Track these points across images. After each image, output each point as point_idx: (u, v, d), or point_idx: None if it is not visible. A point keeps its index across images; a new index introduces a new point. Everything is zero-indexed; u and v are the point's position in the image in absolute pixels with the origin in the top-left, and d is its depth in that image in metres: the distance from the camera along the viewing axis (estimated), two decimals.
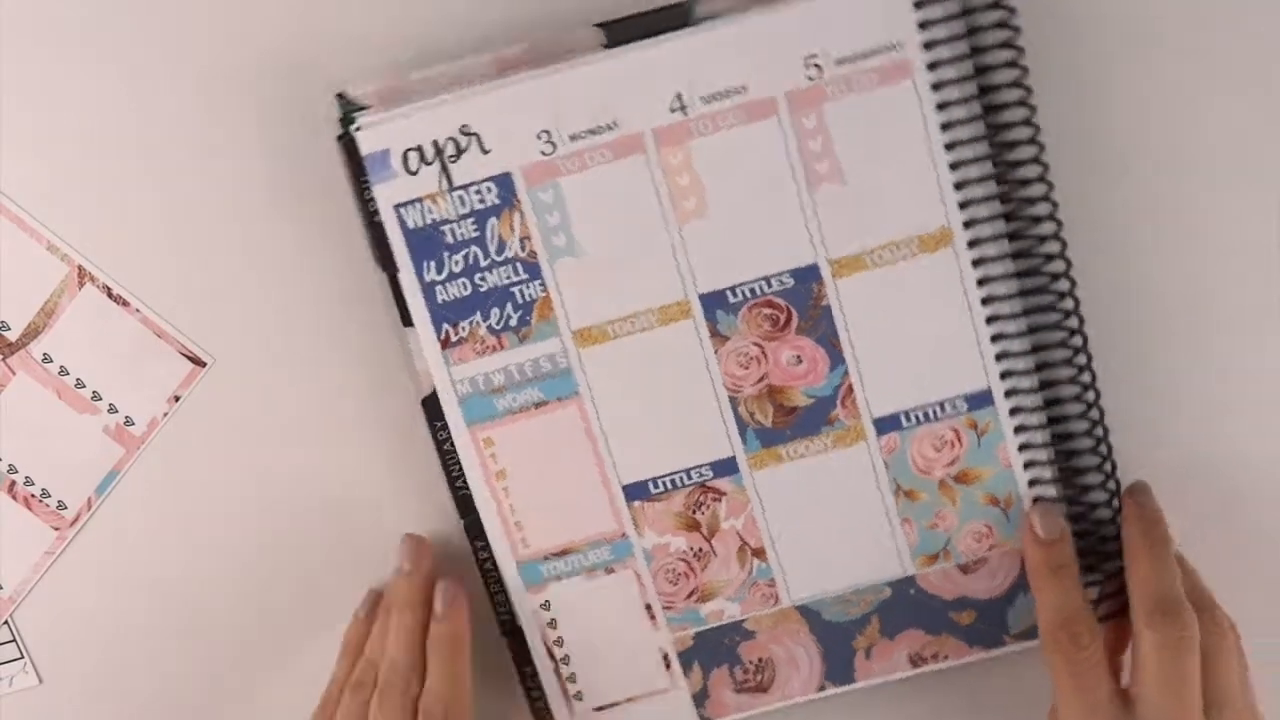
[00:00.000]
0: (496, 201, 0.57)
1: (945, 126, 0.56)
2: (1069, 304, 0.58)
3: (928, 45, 0.55)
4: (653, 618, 0.61)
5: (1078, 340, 0.58)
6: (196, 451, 0.62)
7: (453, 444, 0.59)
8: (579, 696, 0.62)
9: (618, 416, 0.59)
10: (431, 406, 0.59)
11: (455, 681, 0.58)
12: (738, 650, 0.61)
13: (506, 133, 0.56)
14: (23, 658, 0.65)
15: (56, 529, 0.63)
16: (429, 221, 0.57)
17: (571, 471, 0.59)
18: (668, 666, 0.62)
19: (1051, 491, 0.59)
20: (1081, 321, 0.58)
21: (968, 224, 0.57)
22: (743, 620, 0.61)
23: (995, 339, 0.58)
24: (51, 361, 0.61)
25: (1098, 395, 0.59)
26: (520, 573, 0.60)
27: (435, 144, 0.56)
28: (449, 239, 0.57)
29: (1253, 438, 0.62)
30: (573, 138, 0.56)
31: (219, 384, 0.62)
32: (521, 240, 0.57)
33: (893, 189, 0.56)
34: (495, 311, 0.58)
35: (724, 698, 0.62)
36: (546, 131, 0.56)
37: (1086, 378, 0.59)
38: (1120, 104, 0.59)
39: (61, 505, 0.63)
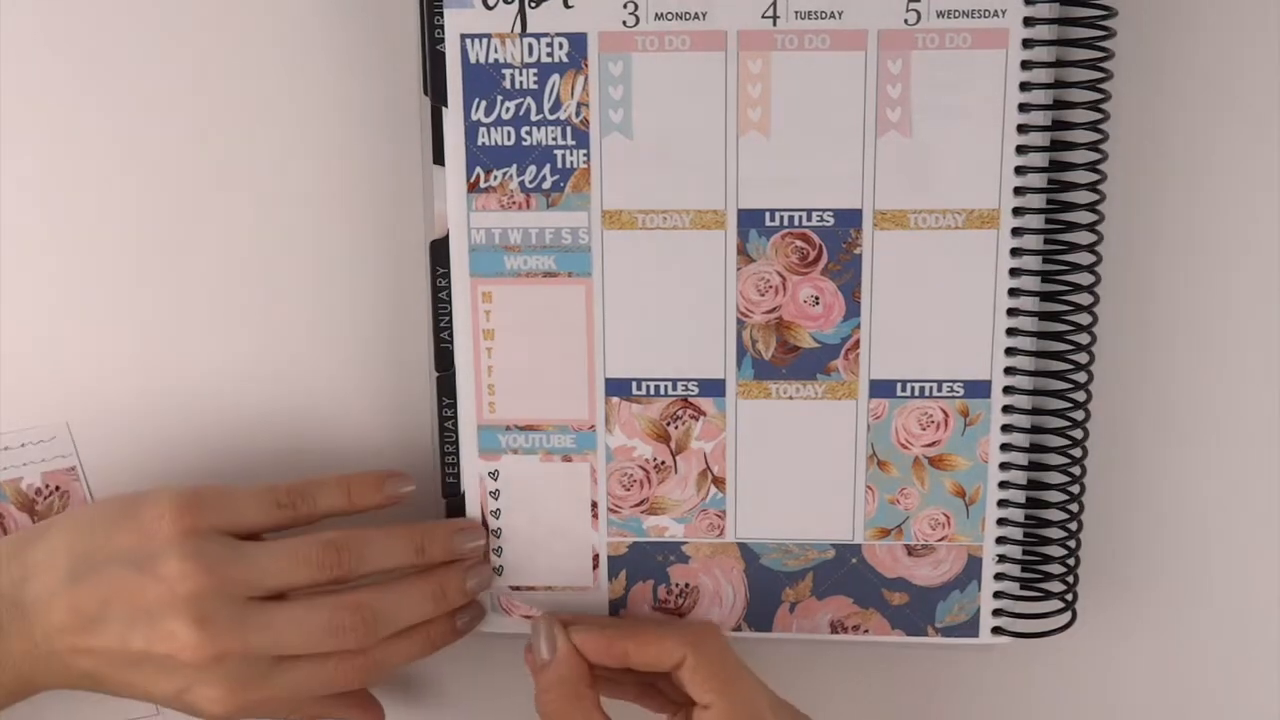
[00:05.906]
0: (565, 60, 0.55)
1: (1023, 108, 0.55)
2: (1085, 319, 0.57)
3: (1028, 21, 0.54)
4: (595, 516, 0.60)
5: (1084, 357, 0.58)
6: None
7: (449, 294, 0.58)
8: (499, 571, 0.61)
9: (622, 307, 0.58)
10: (439, 251, 0.58)
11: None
12: (668, 570, 0.61)
13: None
14: None
15: None
16: (492, 60, 0.55)
17: (560, 350, 0.58)
18: (595, 567, 0.61)
19: (1018, 496, 0.59)
20: (1093, 339, 0.58)
21: (1017, 211, 0.56)
22: (683, 543, 0.60)
23: (1010, 333, 0.57)
24: None
25: (1088, 415, 0.59)
26: (479, 435, 0.59)
27: None
28: (506, 84, 0.56)
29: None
30: (658, 16, 0.54)
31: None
32: (579, 105, 0.56)
33: (956, 155, 0.55)
34: (532, 169, 0.56)
35: (640, 612, 0.62)
36: (634, 2, 0.54)
37: (1081, 396, 0.58)
38: (1185, 155, 0.59)
39: None
